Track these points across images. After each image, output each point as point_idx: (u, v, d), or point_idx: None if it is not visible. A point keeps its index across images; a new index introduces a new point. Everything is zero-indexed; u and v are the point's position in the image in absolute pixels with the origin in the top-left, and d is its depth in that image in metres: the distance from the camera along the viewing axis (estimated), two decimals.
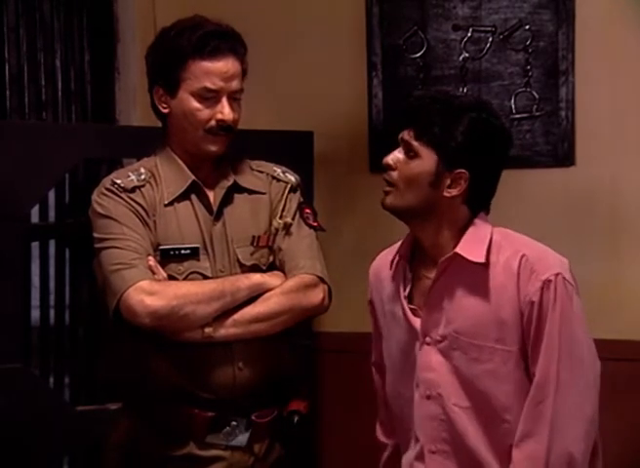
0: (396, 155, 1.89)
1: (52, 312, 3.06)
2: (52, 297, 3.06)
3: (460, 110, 1.88)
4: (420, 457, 1.96)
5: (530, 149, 2.96)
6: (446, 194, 1.87)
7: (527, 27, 2.94)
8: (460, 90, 3.00)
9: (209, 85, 2.02)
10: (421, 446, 1.95)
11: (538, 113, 2.95)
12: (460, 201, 1.89)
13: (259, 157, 2.22)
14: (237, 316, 1.99)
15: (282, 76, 3.18)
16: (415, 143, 1.86)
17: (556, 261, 1.87)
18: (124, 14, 3.26)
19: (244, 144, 2.17)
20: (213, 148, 2.06)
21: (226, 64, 2.04)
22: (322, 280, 2.08)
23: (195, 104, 2.04)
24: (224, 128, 2.05)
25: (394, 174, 1.88)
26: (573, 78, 2.91)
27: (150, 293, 1.93)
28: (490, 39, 2.98)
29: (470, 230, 1.90)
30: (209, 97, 2.03)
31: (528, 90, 2.96)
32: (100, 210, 2.04)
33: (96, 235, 2.03)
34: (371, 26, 3.09)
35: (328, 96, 3.14)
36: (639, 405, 2.86)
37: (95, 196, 2.07)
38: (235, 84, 2.05)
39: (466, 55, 3.01)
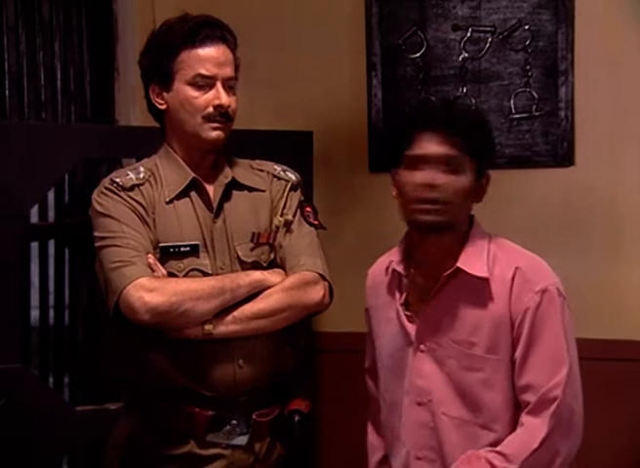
0: (434, 174, 1.83)
1: (51, 312, 3.06)
2: (51, 298, 3.06)
3: (479, 114, 1.89)
4: (406, 464, 1.96)
5: (529, 149, 2.96)
6: (476, 201, 1.90)
7: (526, 27, 2.94)
8: (460, 90, 3.00)
9: (203, 71, 2.03)
10: (407, 452, 1.95)
11: (537, 113, 2.95)
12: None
13: (258, 157, 2.22)
14: (237, 313, 1.99)
15: (282, 76, 3.18)
16: (456, 155, 1.84)
17: (550, 273, 1.89)
18: (123, 14, 3.26)
19: (244, 144, 2.17)
20: (213, 135, 2.05)
21: (218, 51, 2.05)
22: (323, 277, 2.08)
23: (191, 92, 2.04)
24: (222, 114, 2.05)
25: (438, 191, 1.83)
26: (572, 78, 2.91)
27: (150, 290, 1.93)
28: (489, 39, 2.98)
29: (470, 243, 1.91)
30: (204, 84, 2.04)
31: (527, 90, 2.95)
32: (99, 208, 2.04)
33: (96, 234, 2.04)
34: (370, 26, 3.09)
35: (327, 95, 3.14)
36: (639, 405, 2.86)
37: (94, 195, 2.07)
38: (229, 71, 2.06)
39: (466, 55, 3.01)
